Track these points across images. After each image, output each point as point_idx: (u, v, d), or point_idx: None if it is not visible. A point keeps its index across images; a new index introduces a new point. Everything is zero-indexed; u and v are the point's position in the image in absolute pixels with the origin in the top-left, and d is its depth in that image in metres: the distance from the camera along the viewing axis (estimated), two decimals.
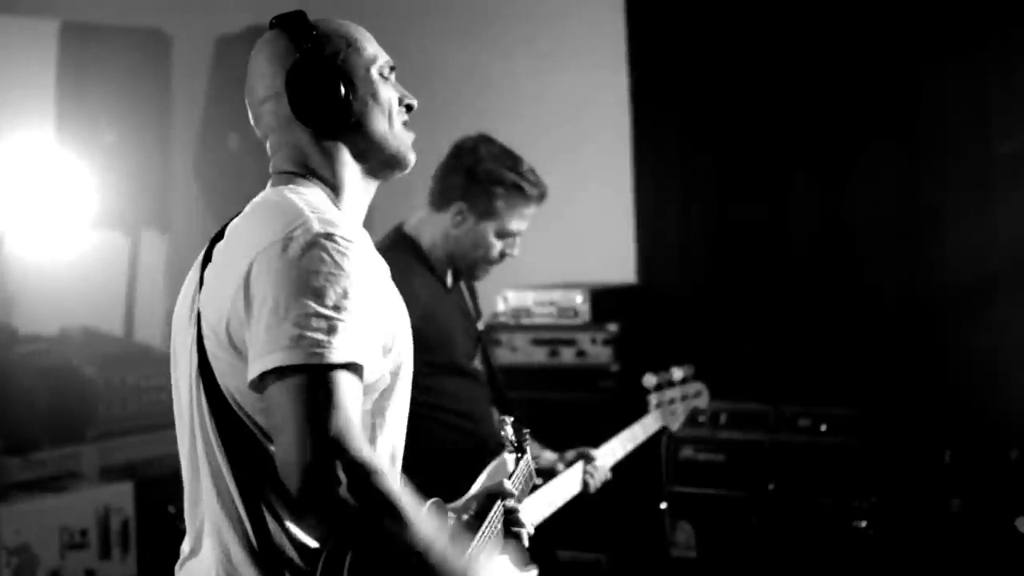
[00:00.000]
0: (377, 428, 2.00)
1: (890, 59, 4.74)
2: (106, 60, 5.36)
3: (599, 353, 4.72)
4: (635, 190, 5.31)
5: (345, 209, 2.06)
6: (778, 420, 4.39)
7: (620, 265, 5.29)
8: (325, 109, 2.01)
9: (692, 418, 3.85)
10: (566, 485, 3.34)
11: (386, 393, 2.00)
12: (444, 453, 3.16)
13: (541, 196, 3.35)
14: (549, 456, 3.48)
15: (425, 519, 1.86)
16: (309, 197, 1.98)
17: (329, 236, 1.86)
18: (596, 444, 3.57)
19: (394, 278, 2.12)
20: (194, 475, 1.99)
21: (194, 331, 1.96)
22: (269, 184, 2.08)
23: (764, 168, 5.00)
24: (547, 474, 3.36)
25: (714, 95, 5.09)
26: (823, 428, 4.29)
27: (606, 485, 3.50)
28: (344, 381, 1.81)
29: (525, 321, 4.91)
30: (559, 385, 4.75)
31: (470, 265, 3.39)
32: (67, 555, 4.72)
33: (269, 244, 1.87)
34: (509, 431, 2.58)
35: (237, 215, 2.04)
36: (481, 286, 4.55)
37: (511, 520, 2.37)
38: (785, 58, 4.94)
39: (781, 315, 4.93)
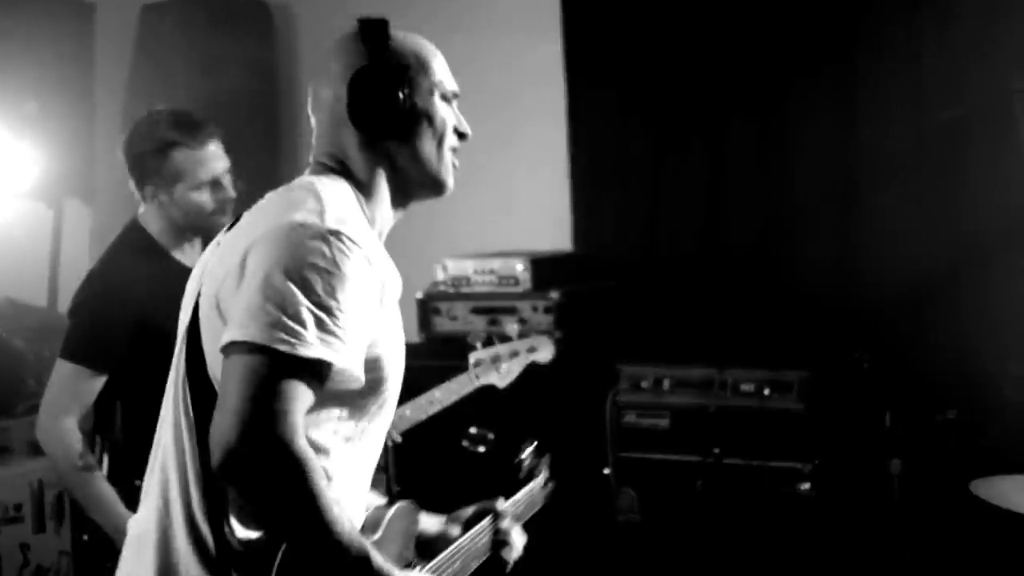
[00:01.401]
0: (349, 440, 2.00)
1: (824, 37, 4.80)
2: (28, 29, 5.22)
3: (541, 321, 4.71)
4: (571, 157, 5.30)
5: (370, 216, 2.07)
6: (722, 385, 4.42)
7: (556, 233, 5.28)
8: (378, 116, 2.04)
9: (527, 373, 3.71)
10: None
11: (360, 408, 2.00)
12: None
13: (202, 140, 3.26)
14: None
15: (347, 523, 1.84)
16: (336, 193, 1.99)
17: (336, 234, 1.87)
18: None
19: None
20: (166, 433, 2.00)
21: (194, 298, 2.01)
22: (307, 171, 2.10)
23: (701, 135, 5.03)
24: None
25: (650, 61, 5.10)
26: (766, 392, 4.33)
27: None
28: (301, 377, 1.81)
29: (465, 290, 4.88)
30: None
31: (200, 229, 3.32)
32: (2, 529, 4.67)
33: (278, 226, 1.88)
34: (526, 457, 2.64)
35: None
36: (418, 255, 4.53)
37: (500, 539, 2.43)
38: (722, 26, 4.96)
39: (722, 279, 4.97)
